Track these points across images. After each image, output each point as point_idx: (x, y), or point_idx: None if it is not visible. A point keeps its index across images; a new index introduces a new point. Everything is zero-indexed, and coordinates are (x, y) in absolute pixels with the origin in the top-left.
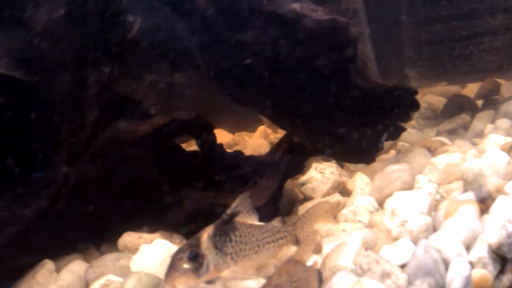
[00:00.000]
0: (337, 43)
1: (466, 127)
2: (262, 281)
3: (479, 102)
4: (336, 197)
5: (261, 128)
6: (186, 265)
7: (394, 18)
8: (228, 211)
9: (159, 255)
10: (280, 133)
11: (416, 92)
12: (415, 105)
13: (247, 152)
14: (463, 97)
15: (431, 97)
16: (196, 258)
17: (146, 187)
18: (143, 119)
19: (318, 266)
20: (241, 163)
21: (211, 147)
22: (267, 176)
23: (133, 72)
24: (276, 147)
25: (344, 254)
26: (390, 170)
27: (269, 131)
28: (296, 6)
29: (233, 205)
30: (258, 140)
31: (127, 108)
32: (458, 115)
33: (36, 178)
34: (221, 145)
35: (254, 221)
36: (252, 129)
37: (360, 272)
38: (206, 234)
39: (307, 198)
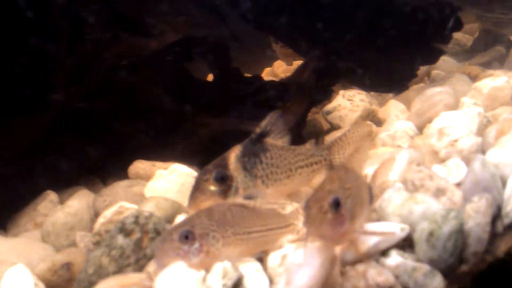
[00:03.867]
0: None
1: (501, 60)
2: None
3: None
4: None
5: (268, 70)
6: (213, 187)
7: None
8: (258, 130)
9: (177, 180)
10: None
11: (460, 9)
12: (458, 24)
13: None
14: (494, 30)
15: (456, 34)
16: (224, 179)
17: (157, 113)
18: (152, 35)
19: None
20: (261, 88)
21: (227, 70)
22: (292, 100)
23: None
24: (303, 67)
25: (393, 171)
26: (431, 92)
27: (278, 70)
28: None
29: (263, 123)
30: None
31: (135, 23)
32: (491, 48)
33: (35, 99)
34: (237, 68)
35: (285, 143)
36: (264, 67)
37: (412, 188)
38: (234, 154)
39: (334, 127)
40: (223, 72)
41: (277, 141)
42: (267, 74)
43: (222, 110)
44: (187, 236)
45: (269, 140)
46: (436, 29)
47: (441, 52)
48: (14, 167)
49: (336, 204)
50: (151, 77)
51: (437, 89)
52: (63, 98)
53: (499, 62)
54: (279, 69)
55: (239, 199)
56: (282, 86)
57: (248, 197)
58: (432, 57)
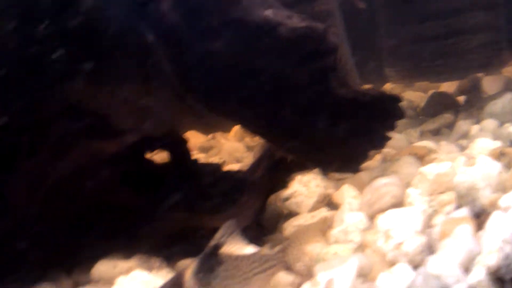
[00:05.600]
0: (315, 52)
1: (450, 126)
2: None
3: (461, 99)
4: (323, 212)
5: (236, 128)
6: None
7: (369, 17)
8: (212, 243)
9: None
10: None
11: (400, 100)
12: (400, 114)
13: (223, 156)
14: (443, 94)
15: (410, 93)
16: None
17: (118, 210)
18: (111, 137)
19: None
20: (219, 179)
21: (185, 164)
22: (249, 194)
23: (100, 85)
24: (256, 164)
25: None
26: (379, 184)
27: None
28: (269, 13)
29: (217, 235)
30: (233, 144)
31: (93, 126)
32: (440, 114)
33: None
34: (195, 161)
35: (243, 249)
36: (227, 128)
37: None
38: (189, 271)
39: (291, 214)
40: (182, 166)
41: (234, 248)
42: (235, 134)
43: (184, 204)
44: None
45: (225, 251)
46: (381, 117)
47: (387, 138)
48: None
49: None
50: (110, 176)
51: (383, 181)
52: (23, 204)
53: (448, 129)
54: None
55: None
56: (239, 180)
57: None
58: (379, 142)
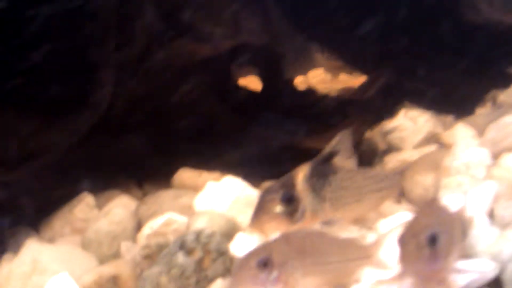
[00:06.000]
0: None
1: None
2: (366, 232)
3: None
4: (432, 149)
5: (300, 78)
6: (278, 208)
7: None
8: (327, 150)
9: (230, 195)
10: (335, 82)
11: None
12: None
13: None
14: None
15: None
16: (290, 200)
17: (204, 121)
18: (205, 41)
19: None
20: (317, 102)
21: (280, 81)
22: (353, 117)
23: None
24: (369, 84)
25: (479, 205)
26: (507, 121)
27: (313, 80)
28: None
29: (333, 143)
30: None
31: (187, 27)
32: None
33: (76, 98)
34: (290, 80)
35: (351, 164)
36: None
37: (501, 224)
38: (301, 174)
39: (392, 148)
40: (275, 83)
41: (344, 162)
42: (300, 83)
43: (274, 123)
44: (265, 264)
45: (337, 161)
46: (510, 54)
47: None
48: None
49: (433, 240)
50: (200, 82)
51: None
52: (108, 96)
53: None
54: (315, 79)
55: (315, 226)
56: (342, 102)
57: (325, 224)
58: (503, 82)
